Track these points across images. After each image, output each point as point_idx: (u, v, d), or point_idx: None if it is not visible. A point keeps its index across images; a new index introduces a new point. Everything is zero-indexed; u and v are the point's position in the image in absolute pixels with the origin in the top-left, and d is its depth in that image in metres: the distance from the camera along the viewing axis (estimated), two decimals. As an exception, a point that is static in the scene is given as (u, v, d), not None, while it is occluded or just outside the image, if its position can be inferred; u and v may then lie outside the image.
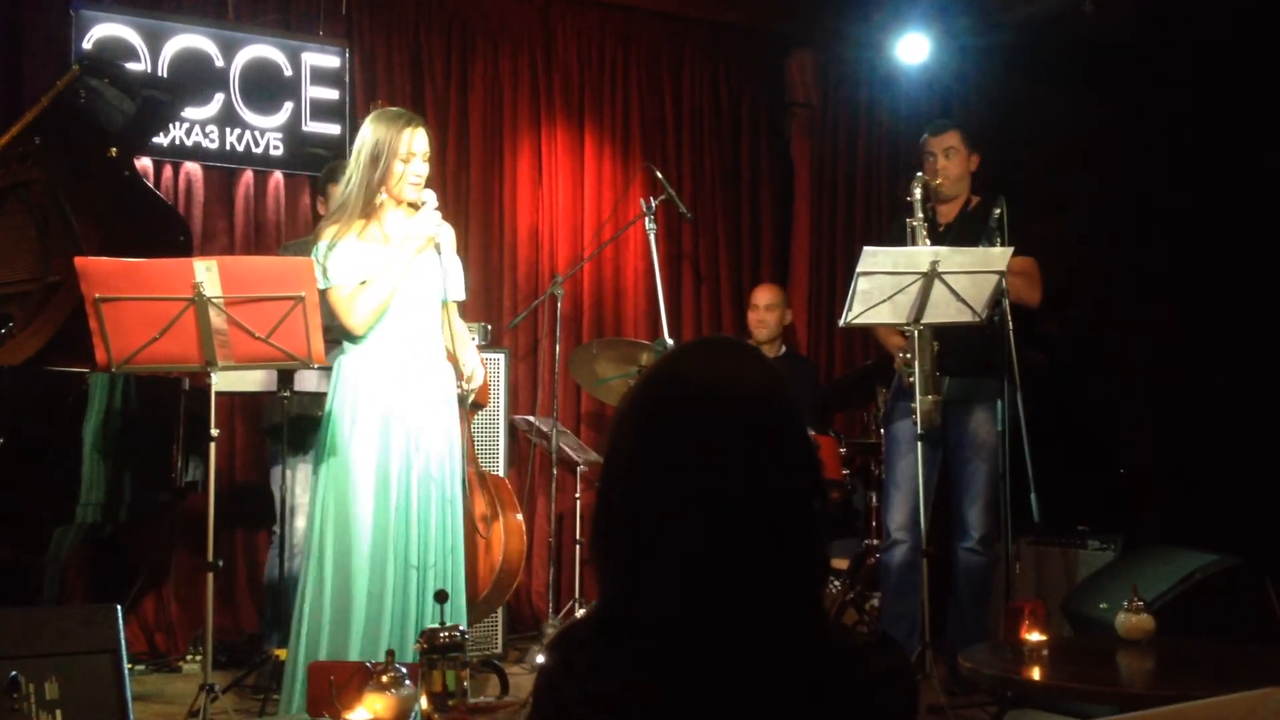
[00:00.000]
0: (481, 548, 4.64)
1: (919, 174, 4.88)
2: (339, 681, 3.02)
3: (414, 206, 3.97)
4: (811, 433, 5.42)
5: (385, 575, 3.81)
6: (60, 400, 3.97)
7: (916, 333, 4.60)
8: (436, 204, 3.96)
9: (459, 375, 4.07)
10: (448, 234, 4.05)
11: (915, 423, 4.59)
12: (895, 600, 4.96)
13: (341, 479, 3.84)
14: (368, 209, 3.93)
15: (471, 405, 4.89)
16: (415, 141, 3.93)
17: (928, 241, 4.72)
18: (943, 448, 4.96)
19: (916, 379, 4.64)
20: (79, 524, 3.98)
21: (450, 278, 4.04)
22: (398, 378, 3.90)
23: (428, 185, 3.99)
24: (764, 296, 6.22)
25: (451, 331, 4.04)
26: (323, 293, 3.84)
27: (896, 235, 5.01)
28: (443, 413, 3.98)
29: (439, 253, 3.96)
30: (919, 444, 4.60)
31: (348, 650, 3.73)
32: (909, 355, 4.64)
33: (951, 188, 4.94)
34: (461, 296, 4.16)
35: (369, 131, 3.94)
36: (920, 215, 4.75)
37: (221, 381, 3.82)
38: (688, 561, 1.37)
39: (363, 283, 3.84)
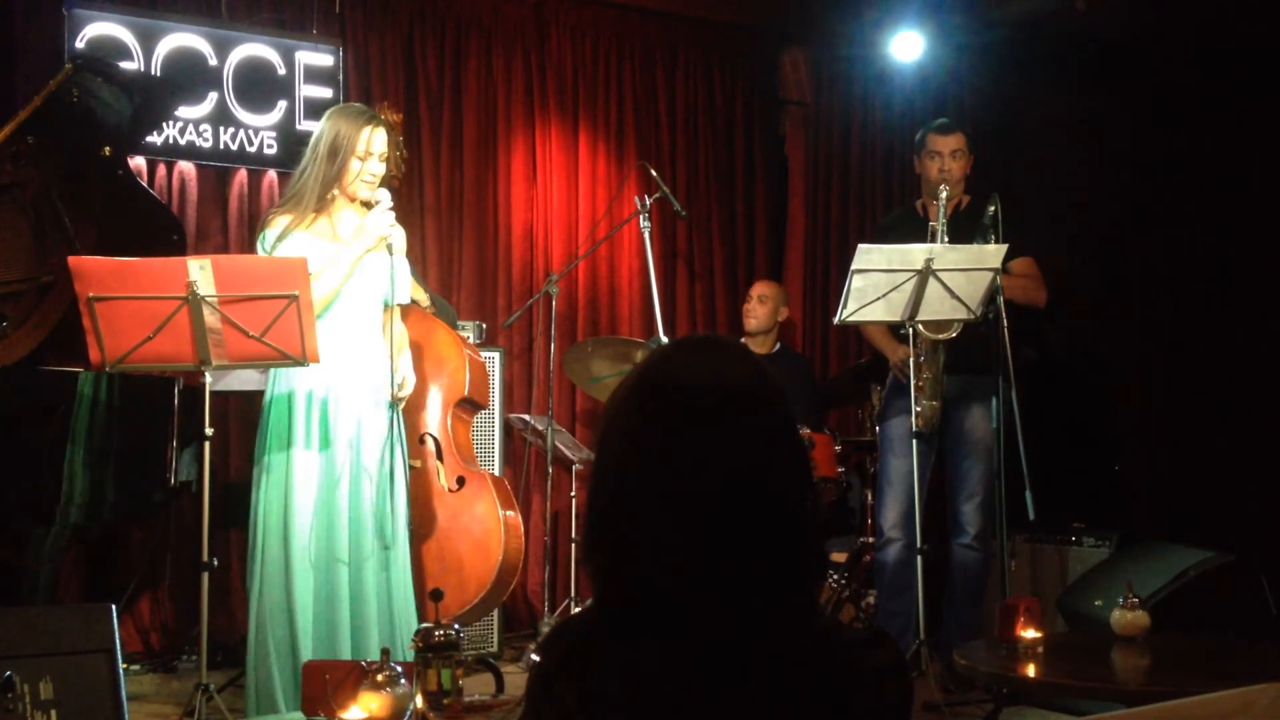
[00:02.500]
0: (483, 546, 4.64)
1: (945, 181, 4.84)
2: (334, 680, 3.02)
3: (366, 205, 3.97)
4: (807, 430, 5.45)
5: (310, 571, 3.81)
6: (48, 400, 3.96)
7: (927, 341, 4.61)
8: (391, 204, 3.95)
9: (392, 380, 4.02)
10: (399, 236, 4.02)
11: (914, 423, 4.61)
12: (890, 598, 4.97)
13: (277, 473, 3.85)
14: (320, 203, 3.94)
15: (471, 404, 4.89)
16: (374, 140, 3.94)
17: (946, 241, 4.71)
18: (937, 445, 4.96)
19: (925, 384, 4.65)
20: (61, 524, 3.97)
21: (397, 281, 4.01)
22: (336, 374, 3.89)
23: (385, 185, 3.99)
24: (757, 288, 6.23)
25: (391, 335, 4.00)
26: None
27: (895, 225, 5.01)
28: (379, 412, 3.95)
29: (390, 253, 3.94)
30: (913, 441, 4.61)
31: (268, 652, 3.76)
32: (921, 358, 4.65)
33: (954, 188, 4.93)
34: (405, 300, 4.14)
35: (328, 125, 3.95)
36: (943, 220, 4.72)
37: (215, 381, 3.82)
38: (679, 561, 1.37)
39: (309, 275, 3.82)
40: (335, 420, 3.88)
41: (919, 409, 4.66)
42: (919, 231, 4.82)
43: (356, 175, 3.94)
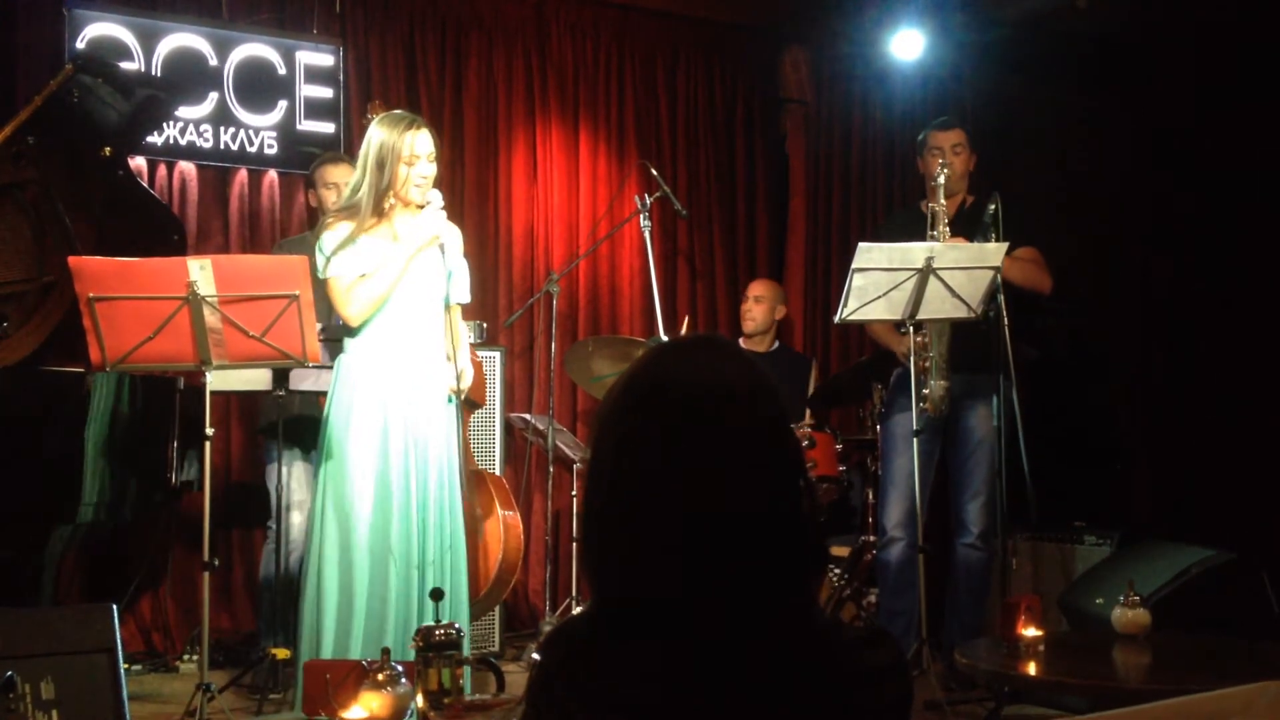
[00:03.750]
0: (483, 545, 4.65)
1: (943, 163, 4.83)
2: (335, 680, 3.02)
3: (422, 208, 3.99)
4: (808, 429, 5.43)
5: (387, 575, 3.83)
6: (60, 400, 3.97)
7: (935, 327, 4.61)
8: (442, 204, 3.98)
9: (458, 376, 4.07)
10: (454, 236, 4.07)
11: (916, 416, 4.61)
12: (892, 597, 4.96)
13: (341, 479, 3.85)
14: (378, 212, 3.96)
15: (468, 404, 4.89)
16: (418, 143, 3.95)
17: (947, 226, 4.72)
18: (939, 444, 4.96)
19: (932, 364, 4.65)
20: (79, 524, 3.98)
21: (455, 280, 4.06)
22: (397, 376, 3.91)
23: (436, 185, 4.01)
24: (753, 289, 6.22)
25: (453, 334, 4.05)
26: (323, 283, 3.87)
27: (899, 224, 5.02)
28: (441, 411, 3.99)
29: (443, 252, 3.97)
30: (915, 440, 4.60)
31: (350, 650, 3.74)
32: (924, 339, 4.64)
33: (956, 183, 4.94)
34: (466, 299, 4.18)
35: (373, 136, 3.97)
36: (943, 201, 4.73)
37: (216, 381, 3.82)
38: (677, 562, 1.37)
39: (363, 275, 3.85)
40: (398, 423, 3.88)
41: (926, 391, 4.65)
42: (920, 229, 4.83)
43: (406, 180, 3.95)
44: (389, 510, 3.84)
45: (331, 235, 3.92)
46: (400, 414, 3.89)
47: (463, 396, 4.10)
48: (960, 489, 4.95)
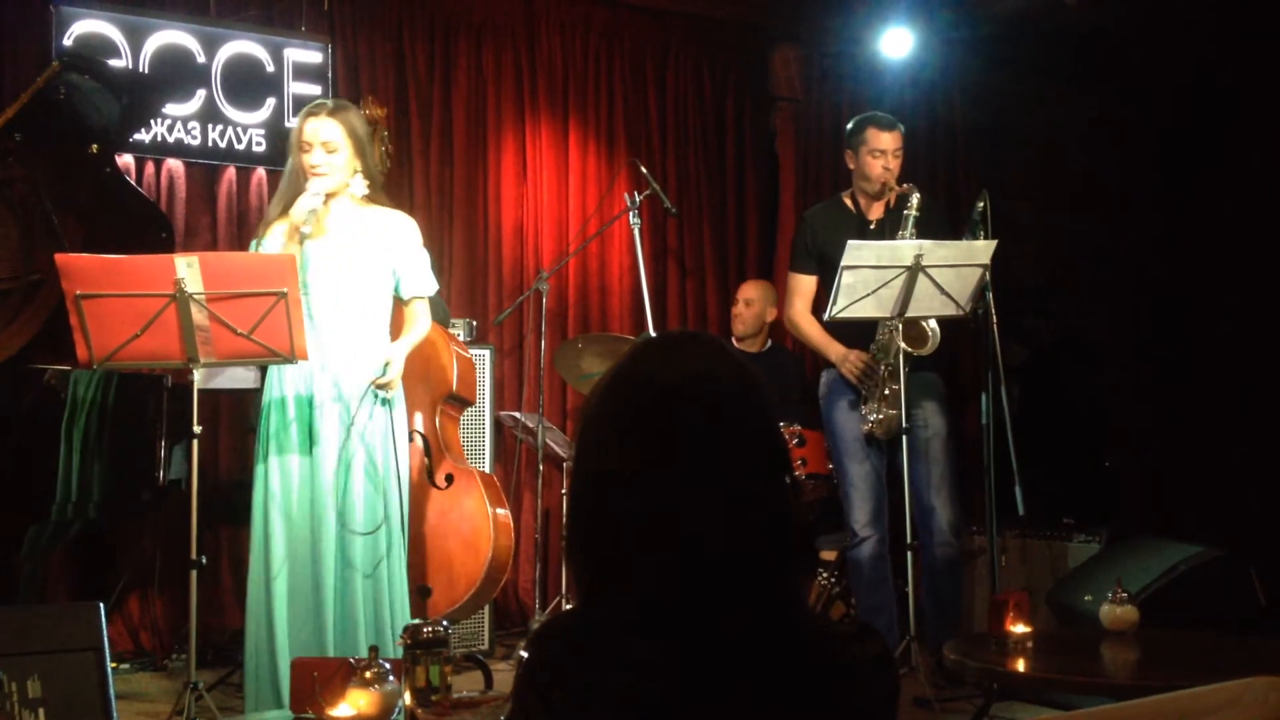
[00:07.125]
0: (472, 544, 4.64)
1: (915, 190, 4.74)
2: (323, 677, 3.01)
3: (331, 196, 3.97)
4: (798, 427, 5.41)
5: (309, 570, 3.82)
6: (38, 398, 3.95)
7: (900, 353, 4.59)
8: (316, 190, 3.90)
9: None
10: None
11: (871, 429, 4.65)
12: (868, 594, 4.88)
13: (261, 476, 3.87)
14: (295, 199, 3.94)
15: (459, 402, 4.88)
16: (306, 130, 3.95)
17: (915, 229, 4.70)
18: (888, 444, 4.89)
19: (892, 394, 4.63)
20: (55, 522, 3.96)
21: (409, 273, 4.06)
22: (318, 370, 3.89)
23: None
24: (743, 291, 6.20)
25: (410, 325, 4.07)
26: None
27: (829, 221, 4.97)
28: (366, 407, 3.93)
29: (299, 244, 3.85)
30: (866, 441, 4.65)
31: (281, 648, 3.76)
32: (888, 370, 4.63)
33: (893, 184, 4.88)
34: (420, 293, 4.14)
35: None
36: (912, 228, 4.68)
37: (204, 379, 3.82)
38: (664, 558, 1.37)
39: None
40: (313, 419, 3.87)
41: (880, 417, 4.65)
42: (852, 227, 4.81)
43: (304, 168, 3.95)
44: (307, 512, 3.83)
45: (255, 240, 3.99)
46: (315, 412, 3.87)
47: (388, 392, 3.98)
48: (923, 486, 4.83)
